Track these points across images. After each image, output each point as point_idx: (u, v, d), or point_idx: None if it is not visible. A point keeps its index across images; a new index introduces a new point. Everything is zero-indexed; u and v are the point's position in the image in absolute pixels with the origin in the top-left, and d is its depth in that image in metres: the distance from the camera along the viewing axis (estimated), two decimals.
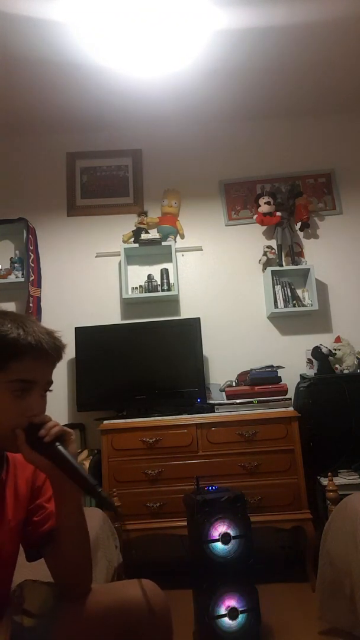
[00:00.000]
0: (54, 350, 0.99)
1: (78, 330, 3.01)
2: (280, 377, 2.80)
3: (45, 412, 1.01)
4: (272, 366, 2.83)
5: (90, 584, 1.09)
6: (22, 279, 3.19)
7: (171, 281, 3.19)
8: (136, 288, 3.22)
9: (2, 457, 1.07)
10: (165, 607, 1.04)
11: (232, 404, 2.70)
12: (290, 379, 2.88)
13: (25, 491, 1.09)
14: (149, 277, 3.21)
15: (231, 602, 1.88)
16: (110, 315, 3.25)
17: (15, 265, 3.25)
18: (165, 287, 3.18)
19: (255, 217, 3.29)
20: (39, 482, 1.12)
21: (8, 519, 1.04)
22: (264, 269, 3.25)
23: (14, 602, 1.05)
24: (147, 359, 2.98)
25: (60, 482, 1.00)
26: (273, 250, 3.25)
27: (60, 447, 0.98)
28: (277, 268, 3.17)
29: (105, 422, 2.65)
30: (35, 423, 0.96)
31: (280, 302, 3.11)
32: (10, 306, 3.27)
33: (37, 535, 1.09)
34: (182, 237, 3.37)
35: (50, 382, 1.02)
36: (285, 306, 3.11)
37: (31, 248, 3.23)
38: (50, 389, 1.02)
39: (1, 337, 0.94)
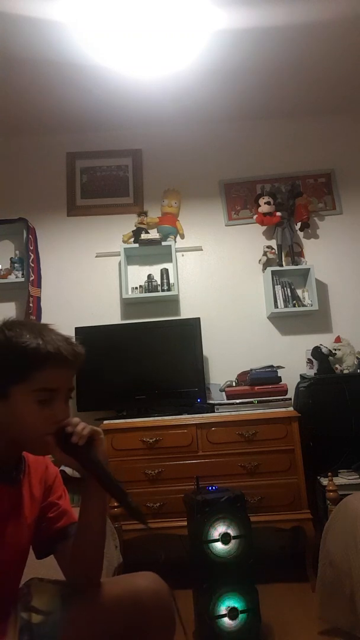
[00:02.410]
0: (73, 356, 1.01)
1: (78, 330, 3.00)
2: (280, 377, 2.80)
3: (68, 414, 1.03)
4: (272, 366, 2.83)
5: (100, 579, 1.12)
6: (22, 279, 3.19)
7: (171, 281, 3.19)
8: (136, 288, 3.22)
9: (20, 458, 1.10)
10: (170, 595, 1.10)
11: (232, 404, 2.70)
12: (290, 379, 2.88)
13: (39, 490, 1.13)
14: (149, 277, 3.21)
15: (231, 602, 1.88)
16: (110, 315, 3.25)
17: (15, 265, 3.25)
18: (165, 287, 3.18)
19: (255, 217, 3.29)
20: (50, 481, 1.17)
21: (25, 517, 1.07)
22: (264, 269, 3.25)
23: (21, 600, 1.09)
24: (147, 359, 2.98)
25: (91, 479, 1.05)
26: (273, 250, 3.25)
27: (93, 454, 1.02)
28: (277, 268, 3.17)
29: (105, 422, 2.65)
30: (67, 430, 1.00)
31: (280, 302, 3.11)
32: (10, 306, 3.28)
33: (51, 531, 1.13)
34: (182, 237, 3.37)
35: (72, 389, 1.05)
36: (285, 306, 3.11)
37: (31, 248, 3.23)
38: (71, 396, 1.05)
39: (22, 348, 0.96)
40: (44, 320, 3.20)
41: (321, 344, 2.90)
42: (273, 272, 3.14)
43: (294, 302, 3.13)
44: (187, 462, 2.54)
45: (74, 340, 1.04)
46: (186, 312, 3.24)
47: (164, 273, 3.21)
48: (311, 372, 2.88)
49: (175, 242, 3.31)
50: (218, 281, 3.30)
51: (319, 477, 2.49)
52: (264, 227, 3.33)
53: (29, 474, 1.11)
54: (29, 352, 0.96)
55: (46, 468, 1.17)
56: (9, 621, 1.05)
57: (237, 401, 2.70)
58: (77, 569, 1.09)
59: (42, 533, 1.14)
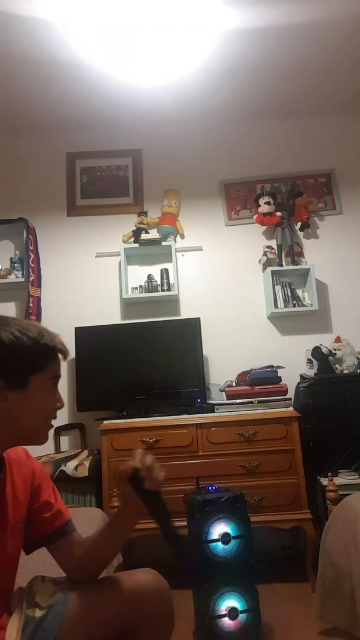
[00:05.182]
0: (66, 348, 1.13)
1: (78, 330, 3.00)
2: (280, 377, 2.80)
3: (62, 399, 1.13)
4: (272, 366, 2.83)
5: (99, 576, 1.16)
6: (22, 279, 3.19)
7: (171, 281, 3.19)
8: (136, 288, 3.22)
9: (1, 458, 1.09)
10: (169, 590, 1.14)
11: (232, 404, 2.70)
12: (290, 379, 2.88)
13: (23, 490, 1.12)
14: (149, 277, 3.21)
15: (231, 602, 1.88)
16: (110, 315, 3.25)
17: (15, 265, 3.25)
18: (165, 287, 3.18)
19: (255, 217, 3.29)
20: (37, 482, 1.17)
21: (9, 518, 1.07)
22: (264, 269, 3.25)
23: (25, 597, 1.11)
24: (147, 359, 2.97)
25: (134, 511, 1.12)
26: (273, 250, 3.25)
27: (163, 502, 1.07)
28: (277, 268, 3.17)
29: (105, 422, 2.65)
30: (141, 475, 1.04)
31: (280, 302, 3.11)
32: (10, 306, 3.28)
33: (48, 530, 1.16)
34: (182, 237, 3.37)
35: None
36: (285, 306, 3.11)
37: (31, 248, 3.23)
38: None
39: (38, 341, 1.05)
40: (43, 321, 3.20)
41: (321, 344, 2.90)
42: (273, 272, 3.14)
43: (294, 302, 3.13)
44: (187, 462, 2.54)
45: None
46: (186, 312, 3.24)
47: (164, 273, 3.21)
48: (311, 372, 2.88)
49: (175, 242, 3.31)
50: (218, 281, 3.30)
51: (319, 477, 2.49)
52: (264, 227, 3.33)
53: (11, 474, 1.11)
54: (46, 345, 1.06)
55: (32, 471, 1.17)
56: (11, 618, 1.07)
57: (237, 401, 2.70)
58: (85, 568, 1.13)
59: (38, 532, 1.15)
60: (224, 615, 1.86)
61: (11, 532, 1.07)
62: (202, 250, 3.36)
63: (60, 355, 1.09)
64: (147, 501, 1.05)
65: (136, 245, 3.23)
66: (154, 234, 3.23)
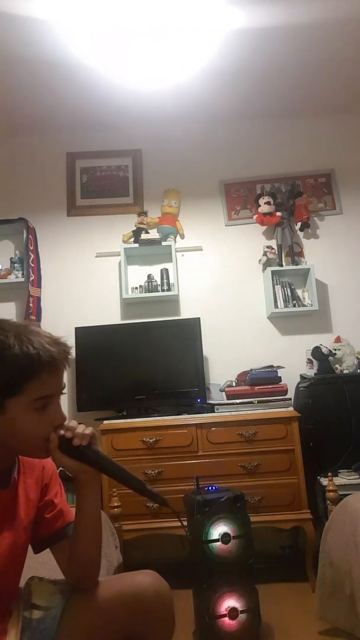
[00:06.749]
0: (64, 358, 1.00)
1: (78, 330, 3.00)
2: (280, 377, 2.80)
3: (63, 415, 1.03)
4: (272, 366, 2.83)
5: (98, 577, 1.13)
6: (22, 279, 3.19)
7: (171, 281, 3.19)
8: (136, 288, 3.22)
9: (15, 460, 1.10)
10: (169, 592, 1.11)
11: (232, 404, 2.70)
12: (290, 379, 2.88)
13: (34, 491, 1.13)
14: (149, 277, 3.21)
15: (231, 602, 1.88)
16: (110, 315, 3.25)
17: (15, 265, 3.25)
18: (165, 287, 3.18)
19: (255, 217, 3.29)
20: (46, 480, 1.17)
21: (21, 517, 1.08)
22: (264, 269, 3.25)
23: (22, 598, 1.10)
24: (147, 359, 2.97)
25: (86, 482, 1.06)
26: (273, 250, 3.25)
27: (98, 451, 1.05)
28: (277, 268, 3.17)
29: (105, 422, 2.65)
30: (66, 436, 1.01)
31: (280, 302, 3.11)
32: (10, 306, 3.28)
33: (49, 532, 1.14)
34: (182, 237, 3.37)
35: (64, 387, 1.04)
36: (285, 306, 3.11)
37: (31, 248, 3.23)
38: (63, 392, 1.05)
39: (14, 361, 0.92)
40: (43, 321, 3.20)
41: (321, 344, 2.90)
42: (273, 272, 3.14)
43: (294, 302, 3.13)
44: (187, 462, 2.54)
45: (60, 338, 1.01)
46: (186, 312, 3.24)
47: (164, 273, 3.21)
48: (311, 372, 2.88)
49: (175, 242, 3.30)
50: (218, 281, 3.30)
51: (319, 477, 2.49)
52: (264, 227, 3.33)
53: (24, 475, 1.11)
54: (22, 364, 0.92)
55: (42, 468, 1.17)
56: (10, 621, 1.06)
57: (237, 401, 2.70)
58: (76, 567, 1.11)
59: (40, 533, 1.15)
60: (224, 615, 1.86)
61: (24, 531, 1.08)
62: (202, 250, 3.36)
63: (52, 369, 0.96)
64: (86, 459, 1.03)
65: (136, 245, 3.23)
66: (154, 234, 3.23)
